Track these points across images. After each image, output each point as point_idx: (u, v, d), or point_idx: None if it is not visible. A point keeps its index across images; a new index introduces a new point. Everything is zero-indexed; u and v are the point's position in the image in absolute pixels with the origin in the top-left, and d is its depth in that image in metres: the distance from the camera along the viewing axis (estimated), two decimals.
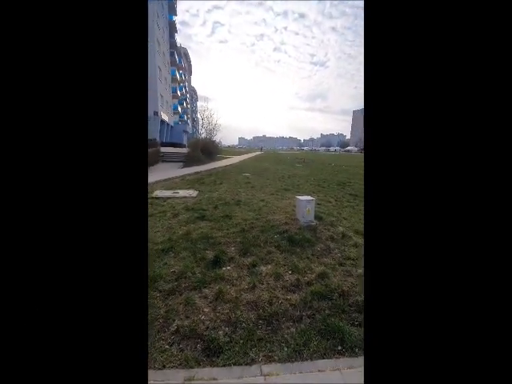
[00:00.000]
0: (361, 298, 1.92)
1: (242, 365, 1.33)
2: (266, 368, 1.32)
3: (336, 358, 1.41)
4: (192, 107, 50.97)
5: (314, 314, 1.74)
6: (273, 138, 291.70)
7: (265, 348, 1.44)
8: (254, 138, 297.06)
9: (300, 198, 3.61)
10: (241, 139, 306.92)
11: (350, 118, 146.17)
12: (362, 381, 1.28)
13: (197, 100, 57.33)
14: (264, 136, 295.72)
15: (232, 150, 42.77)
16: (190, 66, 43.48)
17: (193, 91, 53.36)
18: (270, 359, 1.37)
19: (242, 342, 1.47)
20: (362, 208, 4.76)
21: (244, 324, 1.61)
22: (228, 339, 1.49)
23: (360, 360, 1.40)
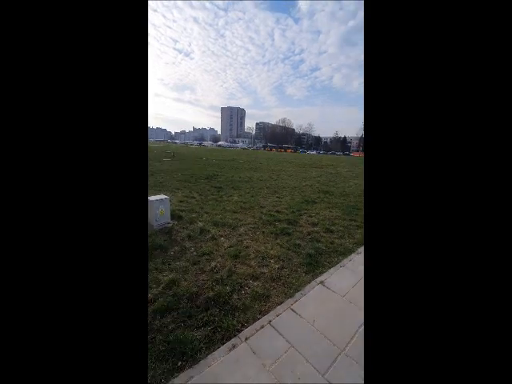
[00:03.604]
0: (210, 294, 1.92)
1: None
2: None
3: (176, 376, 1.26)
4: None
5: (153, 338, 1.49)
6: None
7: None
8: None
9: (151, 198, 3.14)
10: None
11: (219, 114, 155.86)
12: None
13: None
14: None
15: None
16: None
17: None
18: None
19: None
20: (225, 199, 5.12)
21: None
22: None
23: (201, 365, 1.34)
